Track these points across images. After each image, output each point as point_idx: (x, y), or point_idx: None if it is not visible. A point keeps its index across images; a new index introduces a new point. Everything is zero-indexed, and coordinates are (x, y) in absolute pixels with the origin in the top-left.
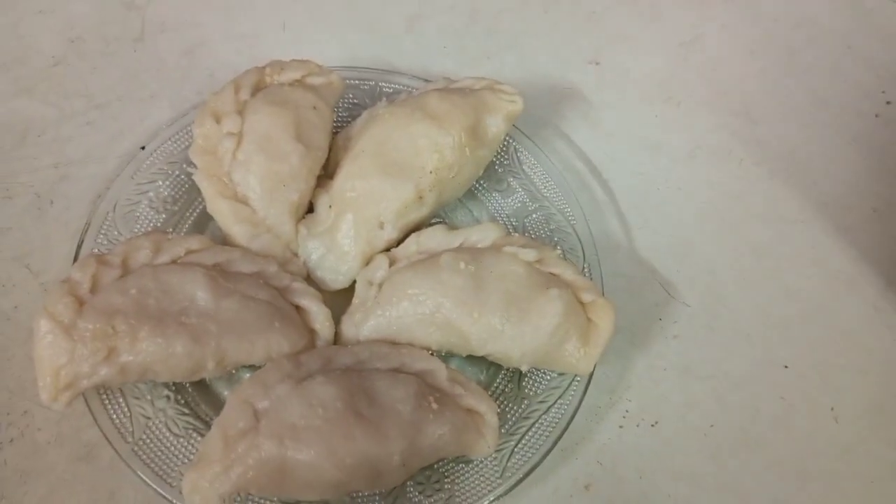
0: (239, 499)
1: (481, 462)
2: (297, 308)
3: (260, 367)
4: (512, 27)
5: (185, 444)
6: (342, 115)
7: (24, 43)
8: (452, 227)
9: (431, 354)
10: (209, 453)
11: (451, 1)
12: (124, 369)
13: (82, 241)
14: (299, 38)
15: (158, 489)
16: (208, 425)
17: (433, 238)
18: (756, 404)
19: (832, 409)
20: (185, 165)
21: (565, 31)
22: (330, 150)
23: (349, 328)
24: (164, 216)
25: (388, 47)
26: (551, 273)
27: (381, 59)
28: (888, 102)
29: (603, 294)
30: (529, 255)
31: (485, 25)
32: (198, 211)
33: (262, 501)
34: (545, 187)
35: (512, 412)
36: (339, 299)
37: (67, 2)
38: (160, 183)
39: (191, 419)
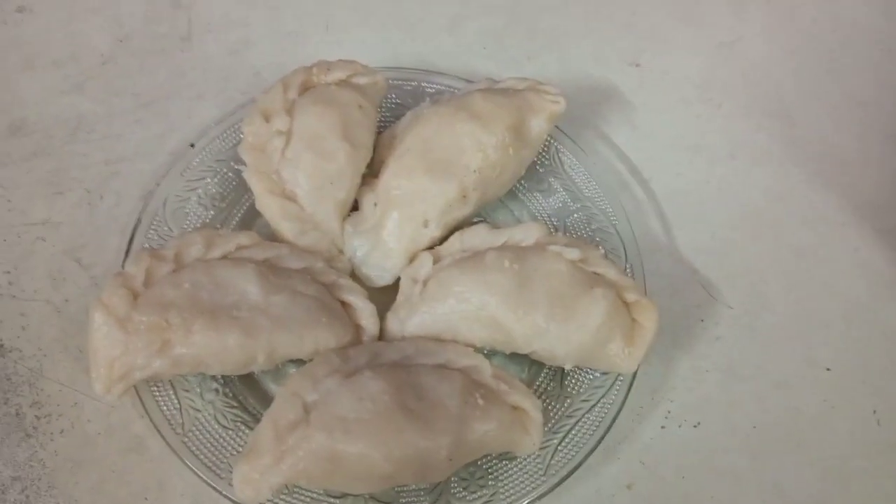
0: (286, 491)
1: (525, 460)
2: (343, 304)
3: (307, 362)
4: (552, 29)
5: (234, 436)
6: (385, 116)
7: (75, 41)
8: (495, 226)
9: (475, 351)
10: (260, 445)
11: (491, 2)
12: (177, 362)
13: (133, 237)
14: (342, 39)
15: (208, 480)
16: (256, 418)
17: (477, 236)
18: (798, 405)
19: (874, 410)
20: (232, 163)
21: (605, 32)
22: (374, 149)
23: (394, 324)
24: (212, 212)
25: (429, 48)
26: (595, 272)
27: (422, 60)
28: None
29: (646, 294)
30: (573, 254)
31: (525, 27)
32: (245, 208)
33: (309, 495)
34: (586, 188)
35: (555, 410)
36: (384, 296)
37: (117, 1)
38: (209, 180)
39: (239, 412)
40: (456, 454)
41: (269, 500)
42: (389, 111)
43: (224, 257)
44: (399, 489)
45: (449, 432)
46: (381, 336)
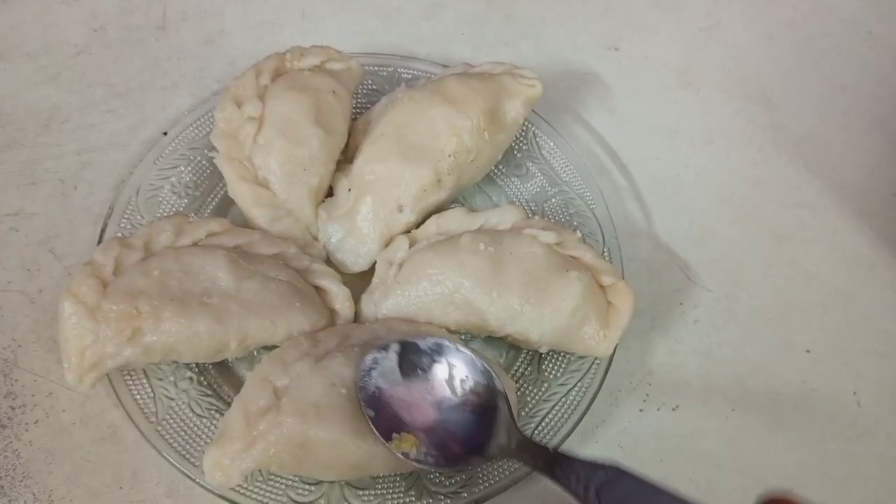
0: (261, 479)
1: None
2: (317, 289)
3: None
4: (530, 14)
5: (208, 424)
6: (361, 102)
7: (48, 32)
8: (472, 210)
9: (448, 333)
10: (231, 430)
11: None
12: (148, 349)
13: (106, 226)
14: (318, 27)
15: (181, 468)
16: (230, 406)
17: (453, 220)
18: (777, 388)
19: (854, 392)
20: (206, 151)
21: (583, 17)
22: (349, 134)
23: (368, 307)
24: (186, 201)
25: (406, 35)
26: (571, 256)
27: (399, 47)
28: None
29: (623, 277)
30: (549, 237)
31: (502, 12)
32: (219, 196)
33: (284, 482)
34: (564, 172)
35: (532, 394)
36: (359, 282)
37: None
38: (182, 168)
39: (213, 400)
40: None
41: (243, 487)
42: (366, 97)
43: (194, 244)
44: (374, 476)
45: None
46: (356, 319)
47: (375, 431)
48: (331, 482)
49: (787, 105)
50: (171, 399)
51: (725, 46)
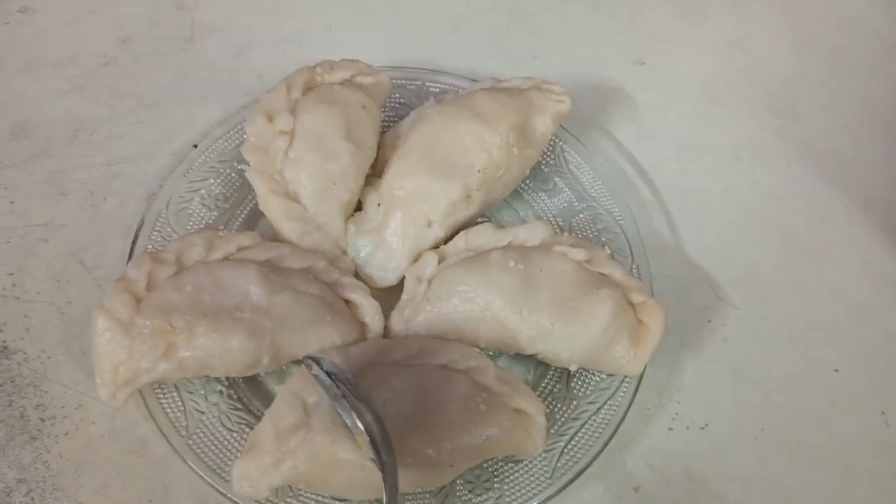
0: (291, 494)
1: (531, 462)
2: (347, 302)
3: None
4: (555, 27)
5: (238, 438)
6: (389, 115)
7: (75, 42)
8: (500, 226)
9: (480, 352)
10: (260, 444)
11: (493, 2)
12: (182, 364)
13: (136, 238)
14: (344, 40)
15: (212, 482)
16: (260, 420)
17: (482, 236)
18: (806, 407)
19: (883, 412)
20: (236, 164)
21: (609, 31)
22: (378, 148)
23: (398, 323)
24: (215, 213)
25: (432, 48)
26: (601, 273)
27: (425, 60)
28: None
29: (652, 295)
30: (579, 254)
31: (528, 26)
32: (248, 208)
33: (314, 498)
34: (592, 187)
35: (561, 412)
36: (386, 297)
37: (118, 2)
38: (212, 181)
39: (243, 414)
40: (456, 460)
41: (273, 502)
42: (393, 111)
43: (225, 258)
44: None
45: (449, 439)
46: (386, 335)
47: (350, 422)
48: (359, 501)
49: (813, 119)
50: (202, 413)
51: (752, 60)
